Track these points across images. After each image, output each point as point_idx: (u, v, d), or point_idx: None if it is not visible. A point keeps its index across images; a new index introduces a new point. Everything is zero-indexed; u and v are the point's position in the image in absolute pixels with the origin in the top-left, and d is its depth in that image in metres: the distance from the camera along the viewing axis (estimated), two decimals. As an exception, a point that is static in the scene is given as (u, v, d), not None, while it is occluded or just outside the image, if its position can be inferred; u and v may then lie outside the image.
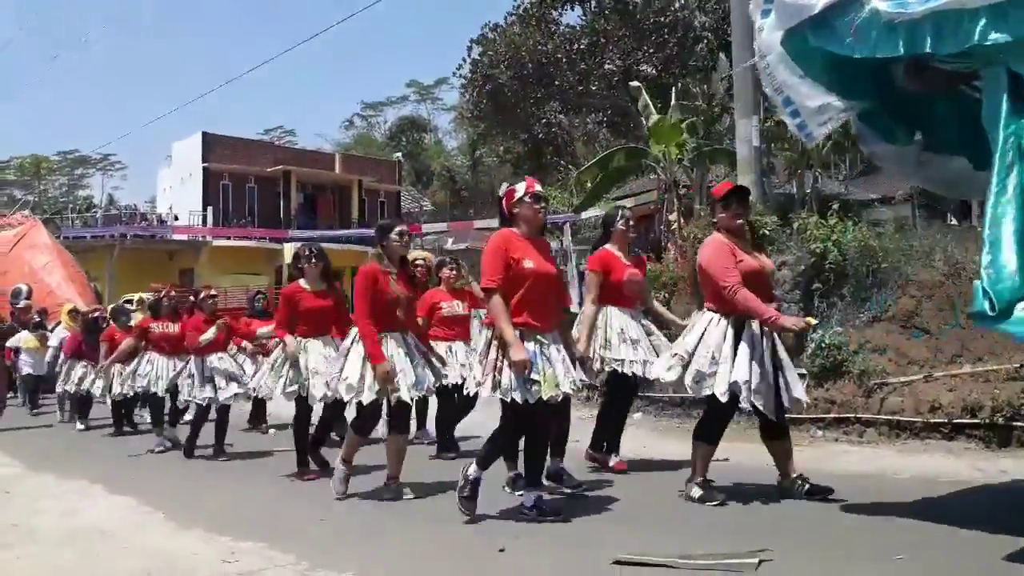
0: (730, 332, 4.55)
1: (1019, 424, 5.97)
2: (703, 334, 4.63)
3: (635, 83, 16.56)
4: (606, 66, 25.97)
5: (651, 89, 16.53)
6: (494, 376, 4.36)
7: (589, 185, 16.03)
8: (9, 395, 13.05)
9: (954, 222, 18.86)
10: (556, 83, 26.10)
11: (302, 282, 6.13)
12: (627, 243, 5.77)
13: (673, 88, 17.41)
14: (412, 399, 5.18)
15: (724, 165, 16.68)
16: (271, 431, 9.03)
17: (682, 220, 13.86)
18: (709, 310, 4.69)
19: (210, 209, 30.16)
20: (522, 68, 25.84)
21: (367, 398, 5.00)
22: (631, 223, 5.81)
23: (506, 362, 4.32)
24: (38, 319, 12.94)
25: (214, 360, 7.48)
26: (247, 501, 5.53)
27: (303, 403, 5.98)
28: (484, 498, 4.94)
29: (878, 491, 4.71)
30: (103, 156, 59.01)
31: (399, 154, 41.30)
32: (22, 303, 14.01)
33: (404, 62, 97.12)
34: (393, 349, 5.11)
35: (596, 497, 5.04)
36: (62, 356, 10.68)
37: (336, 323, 6.17)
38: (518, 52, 25.57)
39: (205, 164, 30.70)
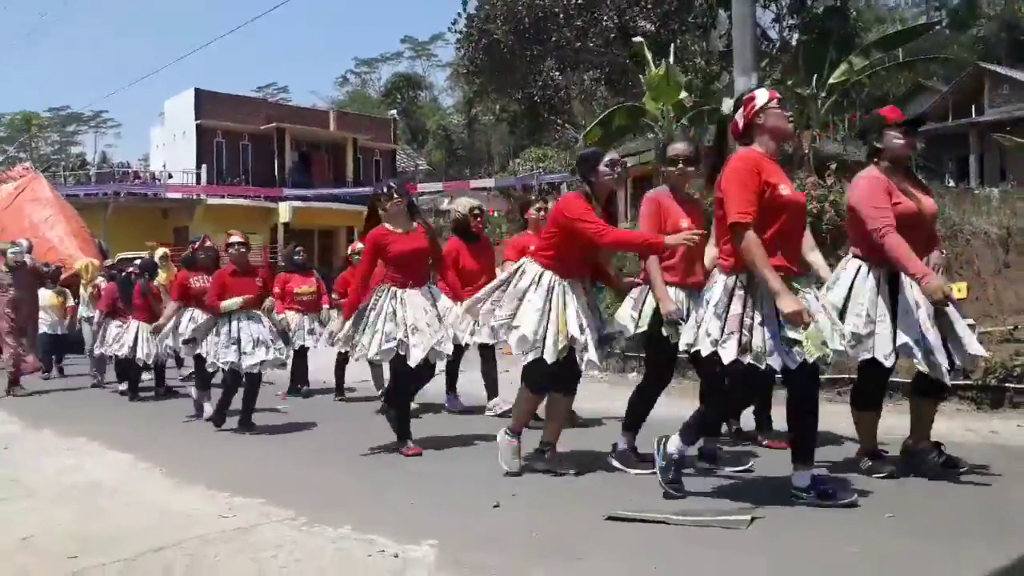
0: (884, 285, 4.00)
1: (1011, 386, 6.02)
2: (851, 289, 4.08)
3: (637, 38, 16.35)
4: (603, 22, 25.64)
5: (649, 46, 16.32)
6: (740, 336, 3.58)
7: (588, 145, 15.91)
8: None
9: (951, 184, 18.83)
10: (553, 39, 25.80)
11: (387, 224, 5.44)
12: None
13: (672, 45, 17.22)
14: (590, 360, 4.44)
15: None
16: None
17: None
18: (856, 257, 4.15)
19: (204, 167, 29.93)
20: (518, 23, 25.52)
21: (551, 356, 4.30)
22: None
23: (757, 318, 3.59)
24: (53, 272, 12.05)
25: (243, 320, 6.57)
26: (246, 459, 5.56)
27: (402, 365, 5.24)
28: (482, 455, 5.01)
29: (845, 453, 4.74)
30: (95, 113, 58.47)
31: (394, 112, 40.90)
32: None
33: (399, 17, 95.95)
34: (578, 299, 4.44)
35: (591, 455, 5.09)
36: (97, 314, 9.81)
37: (438, 268, 5.76)
38: (514, 7, 25.23)
39: (198, 121, 30.37)
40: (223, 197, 28.32)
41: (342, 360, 8.00)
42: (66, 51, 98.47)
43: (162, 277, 9.74)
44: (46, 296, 11.63)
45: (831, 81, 13.39)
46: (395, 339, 5.16)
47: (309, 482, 4.72)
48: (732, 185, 3.64)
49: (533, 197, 6.63)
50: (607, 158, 4.48)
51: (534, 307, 4.34)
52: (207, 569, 3.22)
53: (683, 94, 13.79)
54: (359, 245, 7.97)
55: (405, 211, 5.45)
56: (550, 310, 4.35)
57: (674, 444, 3.90)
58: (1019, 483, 4.07)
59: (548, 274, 4.43)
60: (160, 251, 10.46)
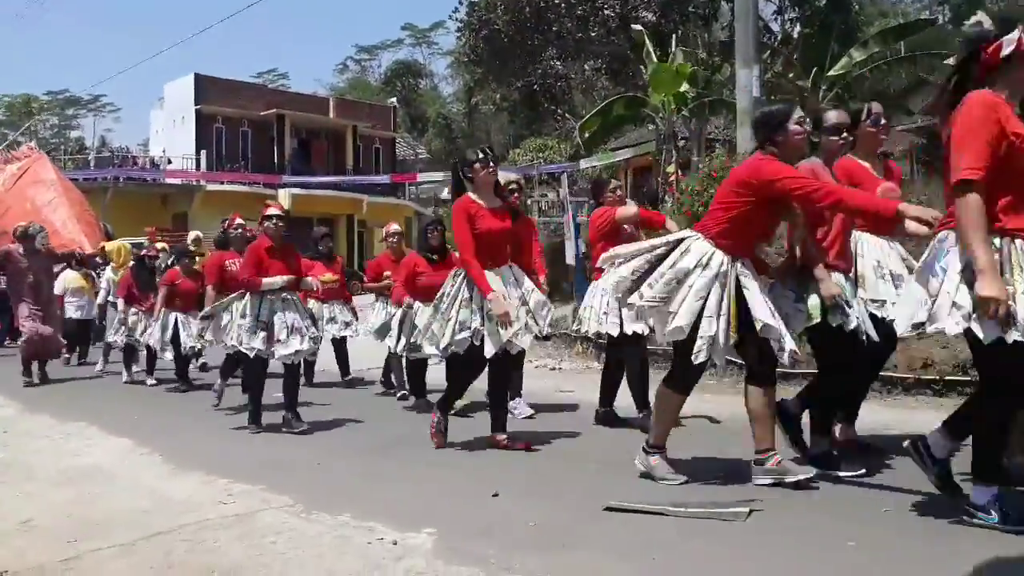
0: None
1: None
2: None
3: (637, 26, 16.30)
4: (604, 11, 25.53)
5: (650, 37, 16.27)
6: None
7: (587, 135, 15.89)
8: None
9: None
10: (554, 29, 25.69)
11: (472, 195, 4.91)
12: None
13: (673, 36, 17.17)
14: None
15: (723, 116, 16.55)
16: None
17: (679, 172, 13.79)
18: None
19: (203, 153, 29.85)
20: (519, 12, 25.37)
21: (722, 354, 3.86)
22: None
23: (1020, 286, 2.93)
24: (80, 256, 11.55)
25: (277, 304, 5.95)
26: (245, 445, 5.57)
27: (478, 355, 4.82)
28: (481, 445, 5.02)
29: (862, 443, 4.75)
30: (94, 97, 58.24)
31: (394, 100, 40.80)
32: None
33: (400, 4, 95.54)
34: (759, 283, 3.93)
35: (588, 446, 5.10)
36: (120, 302, 9.33)
37: (523, 254, 5.30)
38: (516, -6, 25.10)
39: (198, 106, 30.31)
40: (222, 183, 28.27)
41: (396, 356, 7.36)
42: (65, 33, 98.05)
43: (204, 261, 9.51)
44: (72, 278, 11.30)
45: (831, 74, 13.38)
46: (470, 328, 4.75)
47: (308, 470, 4.72)
48: (965, 130, 3.01)
49: (608, 178, 6.04)
50: (798, 114, 3.89)
51: (696, 294, 3.76)
52: (206, 554, 3.23)
53: (685, 85, 13.77)
54: (394, 227, 7.93)
55: (495, 183, 4.98)
56: (720, 300, 3.77)
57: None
58: None
59: (719, 256, 3.83)
60: (193, 234, 9.90)
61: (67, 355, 10.86)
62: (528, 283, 5.06)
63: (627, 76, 24.08)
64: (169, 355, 8.49)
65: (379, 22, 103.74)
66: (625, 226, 5.61)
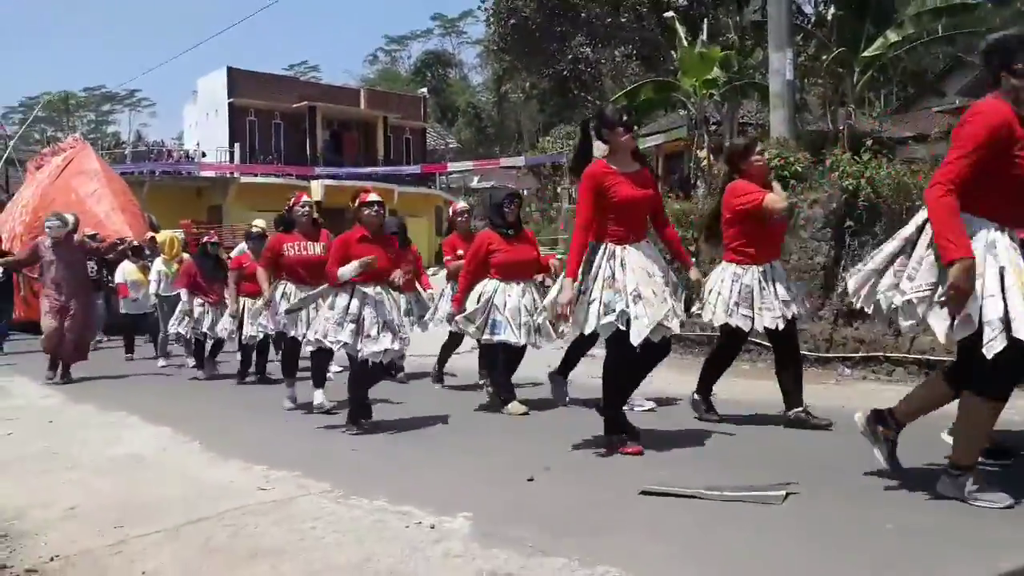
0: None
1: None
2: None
3: (669, 13, 16.17)
4: (635, -4, 25.35)
5: (681, 21, 16.13)
6: None
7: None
8: (101, 338, 11.75)
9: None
10: (583, 15, 25.56)
11: (607, 159, 4.39)
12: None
13: (704, 20, 17.01)
14: None
15: (755, 100, 16.37)
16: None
17: (711, 157, 13.67)
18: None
19: (237, 146, 30.17)
20: (548, -1, 25.32)
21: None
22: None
23: None
24: (136, 246, 11.30)
25: (369, 296, 5.40)
26: (283, 433, 5.64)
27: (623, 343, 4.24)
28: (515, 430, 5.04)
29: (906, 429, 4.70)
30: (129, 92, 59.13)
31: (424, 90, 40.87)
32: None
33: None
34: None
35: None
36: (184, 293, 8.83)
37: (658, 223, 4.71)
38: (545, -18, 25.03)
39: (231, 100, 30.62)
40: (256, 176, 28.56)
41: (451, 343, 7.23)
42: (101, 32, 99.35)
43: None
44: (130, 270, 10.92)
45: (865, 55, 13.16)
46: (615, 310, 4.21)
47: (345, 456, 4.78)
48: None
49: (750, 141, 5.16)
50: None
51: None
52: (248, 539, 3.29)
53: (716, 71, 13.64)
54: (460, 205, 7.62)
55: (632, 149, 4.45)
56: (998, 274, 3.13)
57: None
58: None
59: (990, 228, 3.22)
60: (259, 222, 9.03)
61: (128, 355, 10.81)
62: (661, 262, 4.49)
63: (658, 61, 23.89)
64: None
65: (409, 12, 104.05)
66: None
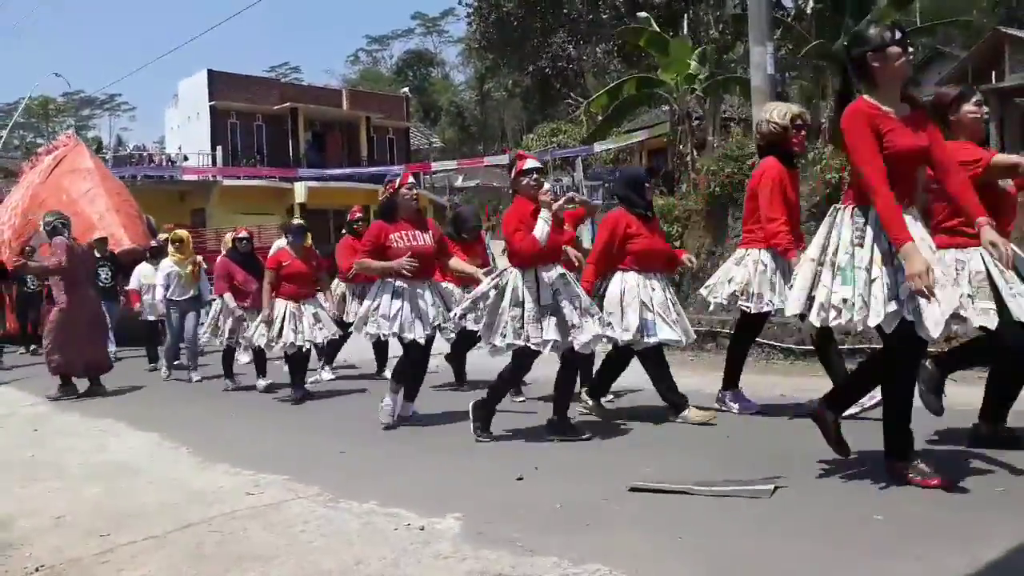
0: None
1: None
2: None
3: (642, 13, 16.21)
4: (615, -7, 25.43)
5: (661, 17, 16.16)
6: None
7: (599, 117, 15.82)
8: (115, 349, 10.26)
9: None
10: (564, 12, 25.60)
11: (869, 96, 3.40)
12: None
13: (684, 15, 17.05)
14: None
15: (736, 95, 16.43)
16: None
17: (695, 152, 13.71)
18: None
19: (219, 148, 30.01)
20: (529, -4, 25.36)
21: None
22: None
23: None
24: (156, 247, 10.35)
25: (558, 284, 4.78)
26: (270, 437, 5.62)
27: (909, 339, 3.33)
28: (503, 428, 5.04)
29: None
30: (109, 96, 58.70)
31: (406, 89, 40.77)
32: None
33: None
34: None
35: (611, 427, 5.11)
36: (228, 299, 7.88)
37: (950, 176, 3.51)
38: (525, -20, 25.08)
39: (212, 102, 30.44)
40: (239, 178, 28.42)
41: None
42: (79, 35, 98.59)
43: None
44: (148, 273, 9.98)
45: (838, 48, 13.23)
46: (900, 298, 3.32)
47: (333, 459, 4.76)
48: None
49: (965, 88, 4.11)
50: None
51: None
52: (236, 544, 3.27)
53: (693, 65, 13.67)
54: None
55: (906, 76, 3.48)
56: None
57: None
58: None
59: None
60: (298, 220, 8.34)
61: (151, 364, 10.02)
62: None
63: (639, 58, 23.93)
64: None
65: (389, 12, 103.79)
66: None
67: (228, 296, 7.82)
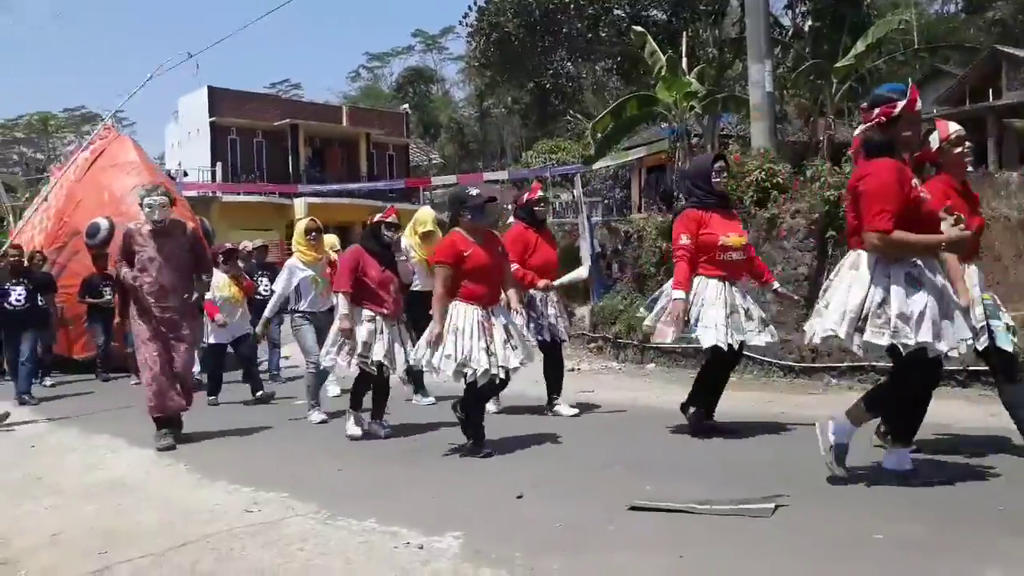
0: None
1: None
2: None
3: (638, 28, 16.27)
4: (614, 11, 25.57)
5: (661, 35, 16.24)
6: None
7: (599, 135, 15.87)
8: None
9: (970, 169, 18.58)
10: (564, 30, 25.77)
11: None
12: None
13: (683, 33, 17.13)
14: None
15: (735, 113, 16.50)
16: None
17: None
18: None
19: (219, 165, 30.07)
20: (529, 15, 25.51)
21: None
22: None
23: None
24: (230, 248, 8.61)
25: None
26: (268, 454, 5.58)
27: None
28: (503, 447, 5.02)
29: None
30: (109, 112, 58.86)
31: (406, 106, 40.92)
32: (98, 241, 9.80)
33: (409, 11, 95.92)
34: None
35: (611, 446, 5.10)
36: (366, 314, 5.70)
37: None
38: (525, -2, 25.25)
39: (212, 119, 30.53)
40: (239, 194, 28.45)
41: None
42: (81, 51, 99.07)
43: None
44: (220, 283, 8.03)
45: (838, 66, 13.32)
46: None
47: (332, 477, 4.74)
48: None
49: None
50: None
51: None
52: (234, 562, 3.25)
53: (693, 84, 13.73)
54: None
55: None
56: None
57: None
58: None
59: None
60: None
61: (211, 397, 7.94)
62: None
63: (638, 75, 24.06)
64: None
65: (390, 29, 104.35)
66: None
67: (343, 298, 5.64)
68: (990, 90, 24.55)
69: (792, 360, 7.55)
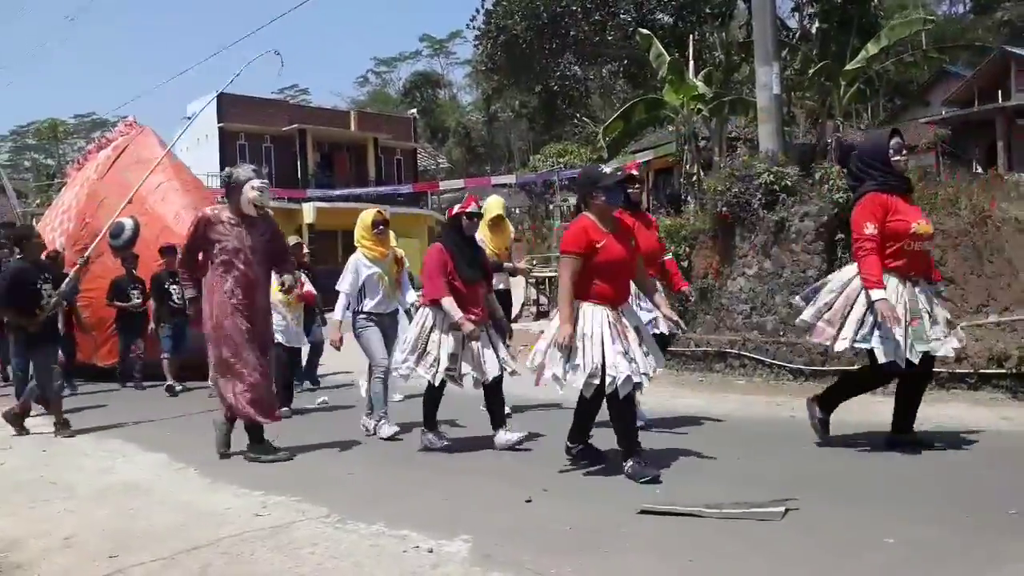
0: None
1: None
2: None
3: (645, 31, 16.26)
4: (621, 15, 25.58)
5: (667, 38, 16.22)
6: None
7: (609, 139, 15.86)
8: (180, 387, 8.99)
9: (979, 170, 18.56)
10: (571, 34, 25.77)
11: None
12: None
13: (690, 36, 17.12)
14: None
15: (743, 116, 16.49)
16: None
17: (701, 172, 13.72)
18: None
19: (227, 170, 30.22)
20: (536, 19, 25.52)
21: None
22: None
23: None
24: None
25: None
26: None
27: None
28: (514, 454, 5.02)
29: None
30: (119, 119, 59.17)
31: (414, 111, 41.02)
32: (123, 241, 8.86)
33: (417, 16, 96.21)
34: None
35: (618, 450, 5.09)
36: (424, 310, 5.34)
37: None
38: (532, 2, 25.23)
39: (221, 124, 30.64)
40: (247, 199, 28.53)
41: None
42: (91, 58, 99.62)
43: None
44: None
45: (847, 68, 13.28)
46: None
47: (341, 480, 4.75)
48: None
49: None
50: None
51: None
52: (244, 566, 3.26)
53: (700, 87, 13.71)
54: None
55: None
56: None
57: None
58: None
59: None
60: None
61: (284, 408, 6.93)
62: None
63: (645, 79, 24.06)
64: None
65: (397, 34, 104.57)
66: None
67: (450, 303, 5.09)
68: (999, 91, 24.47)
69: (802, 363, 7.53)
